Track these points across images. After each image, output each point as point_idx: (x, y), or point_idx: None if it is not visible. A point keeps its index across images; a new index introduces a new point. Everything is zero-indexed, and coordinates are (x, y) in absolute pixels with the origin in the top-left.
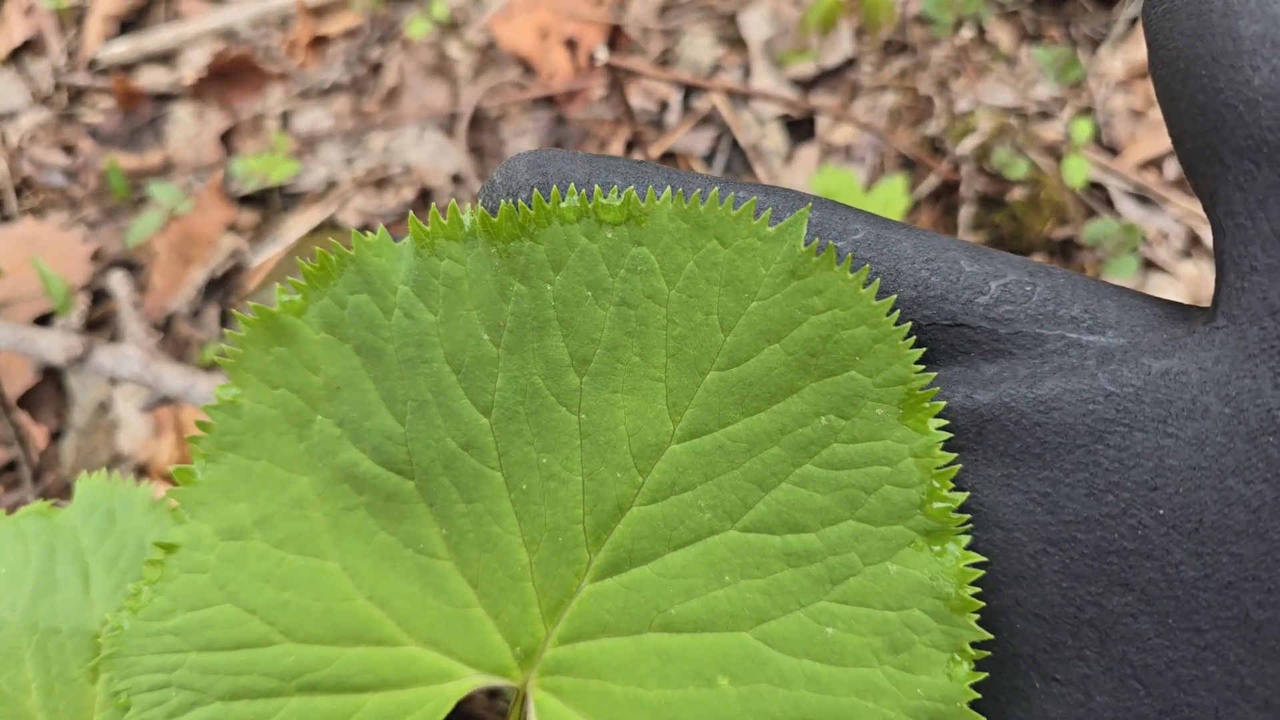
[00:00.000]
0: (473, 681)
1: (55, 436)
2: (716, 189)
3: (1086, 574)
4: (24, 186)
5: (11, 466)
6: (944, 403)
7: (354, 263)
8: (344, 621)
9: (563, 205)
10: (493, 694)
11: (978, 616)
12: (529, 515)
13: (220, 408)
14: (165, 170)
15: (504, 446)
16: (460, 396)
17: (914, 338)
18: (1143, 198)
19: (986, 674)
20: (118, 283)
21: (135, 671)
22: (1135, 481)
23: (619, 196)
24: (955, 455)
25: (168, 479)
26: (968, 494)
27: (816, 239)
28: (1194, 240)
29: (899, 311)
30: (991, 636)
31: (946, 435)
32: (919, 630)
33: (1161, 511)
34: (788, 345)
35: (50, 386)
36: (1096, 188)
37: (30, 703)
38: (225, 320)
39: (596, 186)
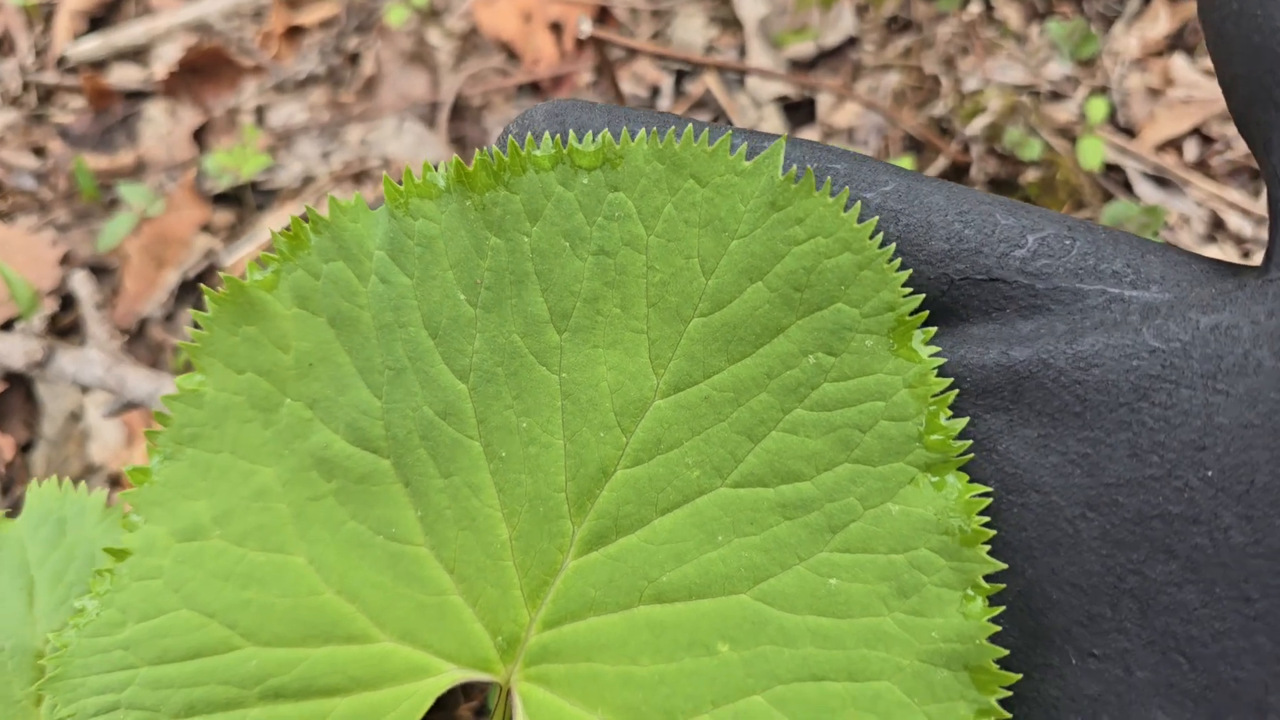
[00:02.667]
0: (452, 677)
1: (25, 448)
2: (690, 126)
3: (1128, 540)
4: None
5: None
6: (935, 328)
7: (329, 228)
8: (311, 619)
9: (537, 152)
10: (471, 693)
11: (989, 547)
12: (509, 485)
13: (181, 398)
14: (138, 170)
15: (483, 412)
16: (437, 362)
17: (899, 259)
18: (1162, 180)
19: (1003, 607)
20: (80, 283)
21: (81, 694)
22: (1182, 441)
23: (594, 141)
24: (952, 380)
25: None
26: (966, 419)
27: (795, 166)
28: (1217, 224)
29: (882, 234)
30: (1006, 566)
31: (940, 360)
32: (928, 570)
33: (1210, 473)
34: (771, 281)
35: (19, 396)
36: (1113, 170)
37: None
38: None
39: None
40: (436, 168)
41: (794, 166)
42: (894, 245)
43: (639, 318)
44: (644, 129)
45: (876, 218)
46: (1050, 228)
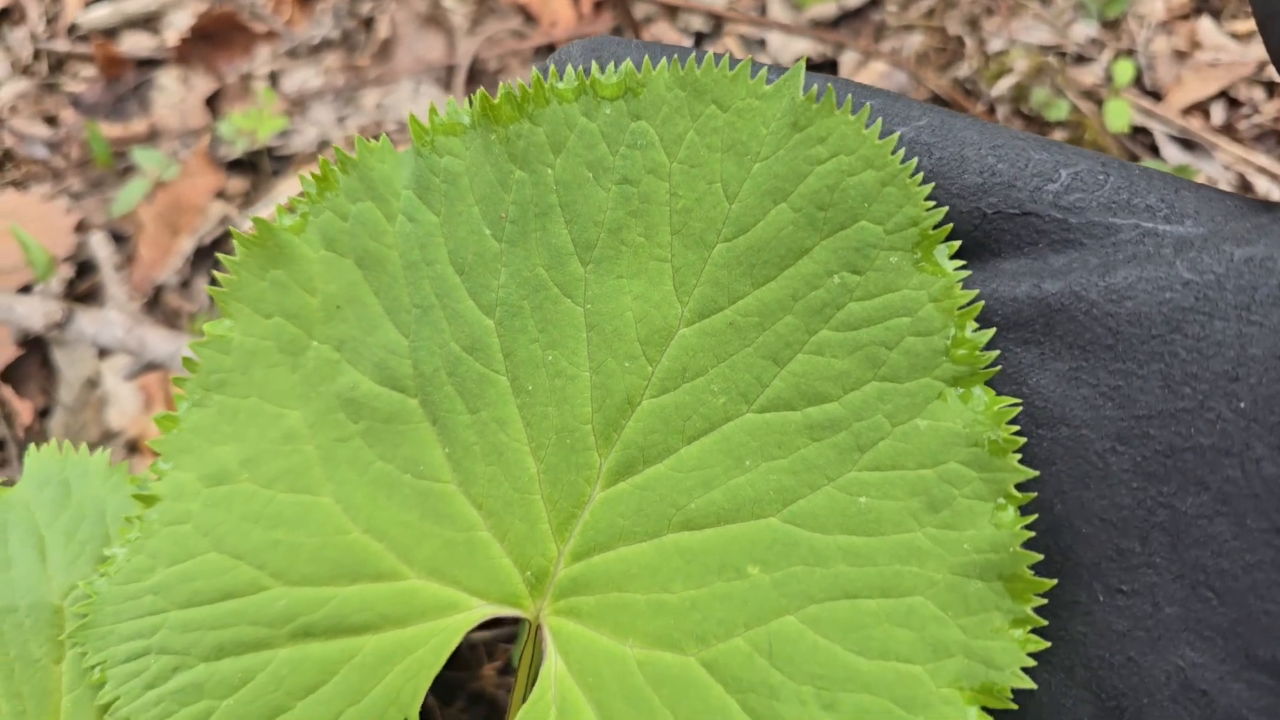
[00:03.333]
0: (481, 612)
1: (43, 414)
2: (710, 54)
3: (1159, 473)
4: (5, 159)
5: None
6: (960, 242)
7: (357, 169)
8: (339, 557)
9: (560, 84)
10: (494, 653)
11: (1019, 456)
12: (536, 419)
13: (208, 344)
14: (151, 138)
15: (509, 346)
16: (464, 298)
17: (920, 174)
18: (1189, 143)
19: (1035, 515)
20: (99, 245)
21: (111, 641)
22: (1215, 372)
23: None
24: (977, 293)
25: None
26: (993, 330)
27: (815, 87)
28: (1244, 187)
29: (903, 150)
30: (1037, 473)
31: (965, 273)
32: (958, 483)
33: (1243, 404)
34: (795, 202)
35: (35, 362)
36: (1140, 132)
37: None
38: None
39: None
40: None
41: (814, 86)
42: (915, 162)
43: (663, 245)
44: (665, 59)
45: (898, 134)
46: (1084, 163)
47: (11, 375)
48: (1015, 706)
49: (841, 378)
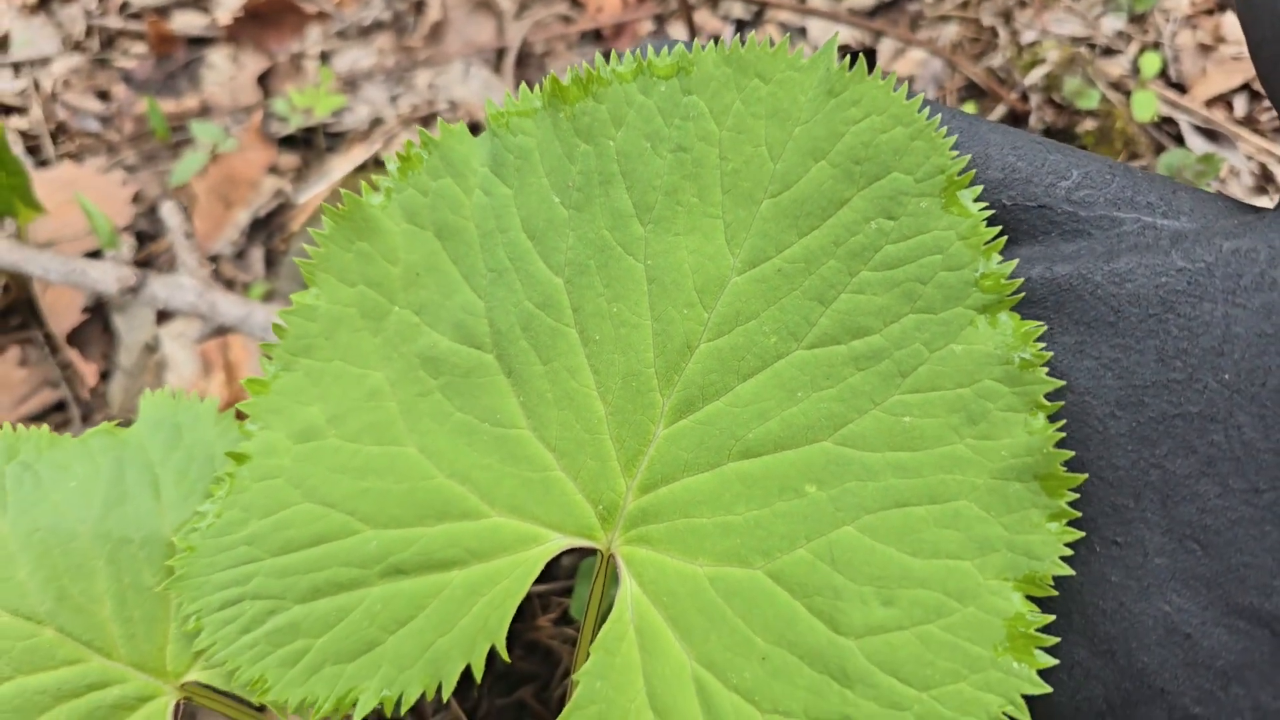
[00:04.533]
0: (558, 544)
1: (103, 377)
2: (753, 34)
3: (1152, 437)
4: (59, 132)
5: (59, 407)
6: (981, 186)
7: (439, 149)
8: (426, 500)
9: (619, 67)
10: (549, 606)
11: (1046, 370)
12: (603, 365)
13: (296, 312)
14: (202, 114)
15: (577, 301)
16: (536, 260)
17: (945, 128)
18: (1213, 133)
19: (1064, 419)
20: (169, 213)
21: (206, 590)
22: (1203, 348)
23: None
24: (1000, 229)
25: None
26: (1016, 261)
27: (848, 57)
28: (1267, 177)
29: (928, 109)
30: (1063, 383)
31: (989, 212)
32: (993, 398)
33: (1227, 376)
34: (833, 159)
35: (96, 327)
36: (1166, 122)
37: (104, 613)
38: (270, 260)
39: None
40: (532, 88)
41: (847, 57)
42: (939, 117)
43: (714, 204)
44: (713, 40)
45: (921, 94)
46: (1093, 164)
47: (74, 340)
48: (1055, 593)
49: (882, 312)
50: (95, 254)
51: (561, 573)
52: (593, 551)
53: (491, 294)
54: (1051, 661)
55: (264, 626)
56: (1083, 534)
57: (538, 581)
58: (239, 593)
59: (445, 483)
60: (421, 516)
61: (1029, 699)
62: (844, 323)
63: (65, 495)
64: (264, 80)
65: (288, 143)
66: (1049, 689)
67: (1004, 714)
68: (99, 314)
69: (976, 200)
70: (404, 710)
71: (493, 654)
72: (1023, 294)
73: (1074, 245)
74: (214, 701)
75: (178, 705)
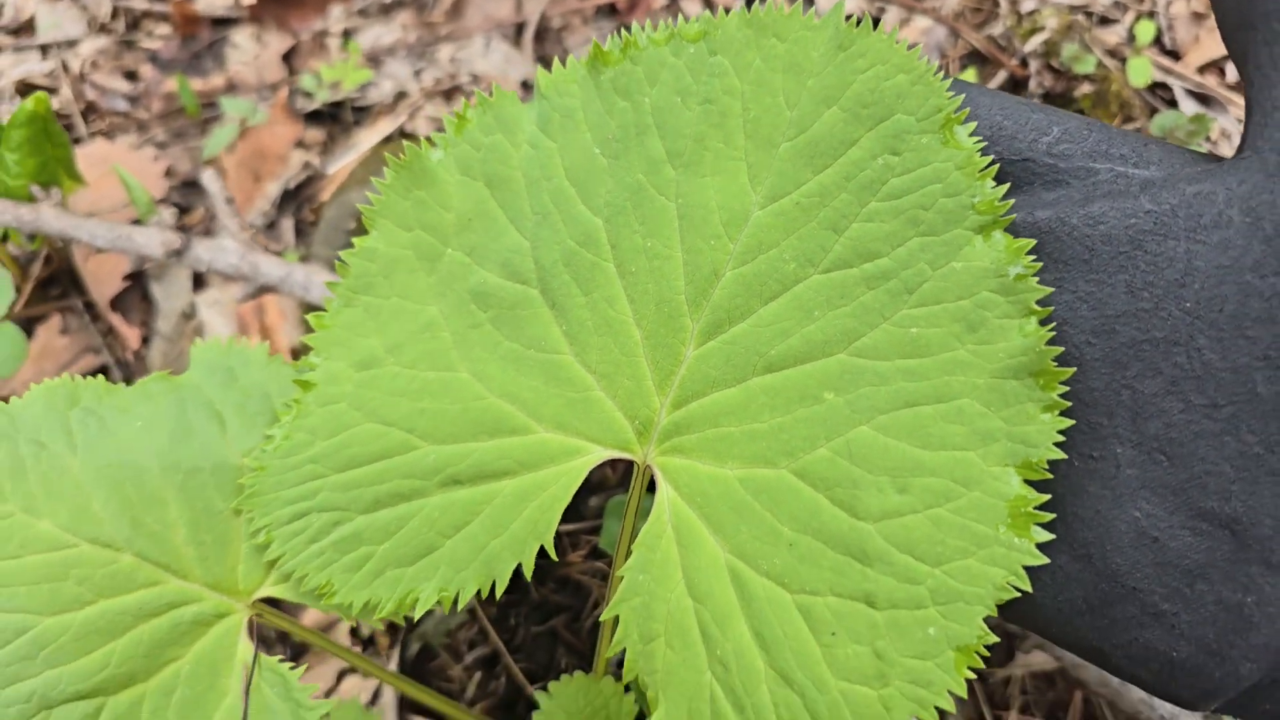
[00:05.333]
0: (599, 455)
1: (143, 343)
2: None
3: (1123, 361)
4: (89, 112)
5: (99, 372)
6: (975, 123)
7: (492, 109)
8: (478, 418)
9: (653, 34)
10: (579, 543)
11: (1037, 280)
12: (638, 294)
13: (357, 254)
14: (229, 92)
15: (615, 239)
16: (577, 203)
17: (942, 71)
18: (1205, 98)
19: (1051, 308)
20: (209, 180)
21: (275, 506)
22: (1167, 280)
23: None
24: (992, 159)
25: None
26: (1008, 185)
27: (854, 15)
28: None
29: (927, 58)
30: (1052, 290)
31: (981, 144)
32: (990, 307)
33: (1189, 305)
34: (843, 105)
35: (135, 296)
36: (1160, 87)
37: (178, 538)
38: (300, 231)
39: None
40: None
41: (854, 15)
42: (939, 63)
43: (738, 148)
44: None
45: (919, 45)
46: (1072, 122)
47: (115, 307)
48: (1050, 476)
49: (889, 237)
50: (134, 224)
51: (590, 513)
52: (627, 475)
53: (536, 235)
54: (1049, 536)
55: (330, 536)
56: (1073, 421)
57: (567, 521)
58: (306, 506)
59: (496, 403)
60: (475, 433)
61: (1018, 607)
62: (855, 248)
63: (131, 434)
64: (288, 58)
65: (314, 118)
66: (1047, 560)
67: (1007, 584)
68: (138, 283)
69: (971, 135)
70: (461, 604)
71: (528, 587)
72: (1014, 216)
73: (1054, 194)
74: (281, 620)
75: (250, 621)
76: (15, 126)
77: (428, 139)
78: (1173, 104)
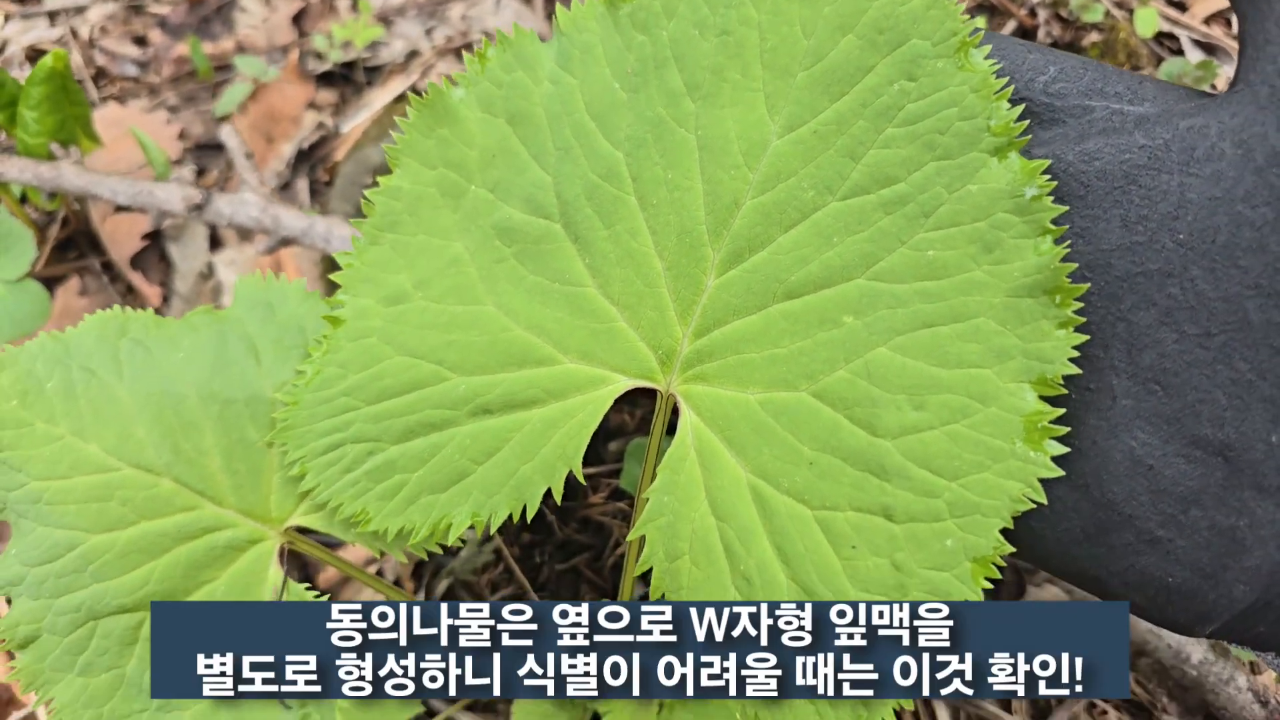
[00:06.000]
0: (624, 385)
1: (163, 302)
2: None
3: (1118, 294)
4: (99, 77)
5: None
6: (990, 45)
7: (513, 47)
8: (506, 349)
9: None
10: (598, 485)
11: (1051, 199)
12: (659, 226)
13: (382, 193)
14: (239, 54)
15: (636, 171)
16: (598, 137)
17: None
18: (1210, 47)
19: (1069, 241)
20: (228, 135)
21: (309, 438)
22: (1161, 213)
23: None
24: (1008, 80)
25: None
26: (1023, 105)
27: None
28: None
29: None
30: (1066, 208)
31: (996, 66)
32: (1005, 228)
33: (1182, 236)
34: (859, 32)
35: (153, 256)
36: (1166, 37)
37: (213, 465)
38: (315, 191)
39: None
40: None
41: None
42: None
43: (755, 79)
44: None
45: None
46: (1068, 61)
47: (134, 267)
48: (1065, 391)
49: (906, 162)
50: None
51: (610, 457)
52: (646, 421)
53: (558, 170)
54: (1063, 449)
55: (364, 466)
56: (1087, 337)
57: (588, 464)
58: (340, 438)
59: (522, 334)
60: (503, 364)
61: (1020, 539)
62: (873, 174)
63: (174, 364)
64: (298, 20)
65: (325, 80)
66: (1062, 472)
67: (1023, 496)
68: (155, 245)
69: (986, 59)
70: (494, 528)
71: (551, 527)
72: (1029, 137)
73: (1050, 132)
74: (311, 547)
75: (282, 548)
76: (35, 84)
77: (449, 78)
78: (1179, 53)
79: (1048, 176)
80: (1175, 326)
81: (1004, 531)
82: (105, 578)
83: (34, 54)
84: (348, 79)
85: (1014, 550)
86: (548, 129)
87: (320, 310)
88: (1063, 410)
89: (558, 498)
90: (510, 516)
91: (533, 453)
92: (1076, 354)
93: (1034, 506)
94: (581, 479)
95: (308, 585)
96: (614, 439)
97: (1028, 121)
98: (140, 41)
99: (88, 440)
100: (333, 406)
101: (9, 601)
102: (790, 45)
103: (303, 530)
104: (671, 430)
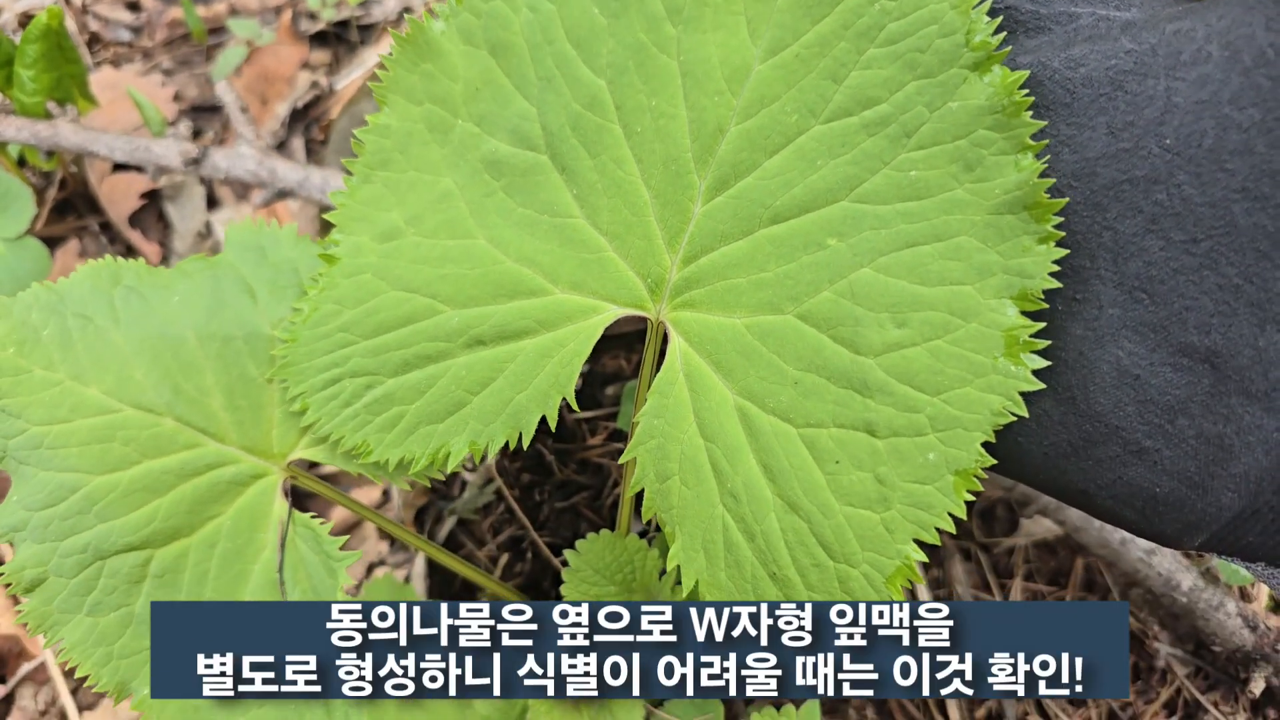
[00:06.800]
0: (615, 313)
1: (161, 260)
2: None
3: (1103, 203)
4: (93, 42)
5: None
6: None
7: None
8: (497, 281)
9: None
10: (595, 428)
11: (1031, 113)
12: (645, 154)
13: (371, 131)
14: (232, 18)
15: (619, 99)
16: (580, 65)
17: None
18: None
19: (1049, 155)
20: (224, 90)
21: (309, 374)
22: (1147, 119)
23: None
24: None
25: None
26: (1000, 18)
27: None
28: None
29: None
30: (1045, 123)
31: None
32: (986, 145)
33: (1169, 141)
34: None
35: (152, 215)
36: None
37: (215, 403)
38: (310, 150)
39: None
40: None
41: None
42: None
43: (737, 2)
44: None
45: None
46: None
47: (133, 225)
48: (1046, 305)
49: (888, 82)
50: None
51: (607, 401)
52: (641, 333)
53: (542, 100)
54: (1044, 363)
55: (363, 399)
56: (1068, 251)
57: (585, 408)
58: (338, 373)
59: (513, 267)
60: (495, 295)
61: (1006, 455)
62: (855, 96)
63: (170, 308)
64: None
65: (319, 40)
66: (1042, 385)
67: (1004, 409)
68: (153, 204)
69: None
70: (491, 455)
71: (550, 469)
72: (1009, 49)
73: (1035, 40)
74: (313, 482)
75: (285, 482)
76: (30, 41)
77: (429, 10)
78: None
79: (1025, 91)
80: (1161, 234)
81: (991, 448)
82: (110, 517)
83: (26, 20)
84: (341, 38)
85: (995, 463)
86: (529, 58)
87: (313, 252)
88: (1043, 324)
89: (552, 424)
90: (507, 446)
91: (527, 382)
92: (1057, 268)
93: (1015, 419)
94: (575, 406)
95: (315, 516)
96: (610, 383)
97: (1004, 34)
98: (133, 7)
99: (87, 384)
100: (330, 342)
101: (14, 547)
102: None
103: (304, 464)
104: (663, 359)
